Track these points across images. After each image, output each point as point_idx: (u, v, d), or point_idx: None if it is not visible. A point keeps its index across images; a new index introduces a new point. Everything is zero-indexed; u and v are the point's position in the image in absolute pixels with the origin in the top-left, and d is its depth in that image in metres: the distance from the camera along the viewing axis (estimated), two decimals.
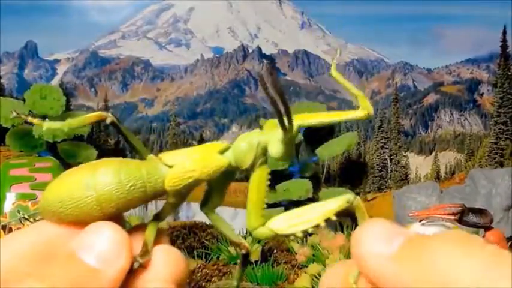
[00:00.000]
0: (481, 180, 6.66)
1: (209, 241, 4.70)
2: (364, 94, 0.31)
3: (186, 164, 0.30)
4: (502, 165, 17.89)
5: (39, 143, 5.97)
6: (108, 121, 0.30)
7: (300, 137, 7.85)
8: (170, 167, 0.30)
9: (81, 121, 0.31)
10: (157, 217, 0.31)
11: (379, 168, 25.09)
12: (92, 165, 0.29)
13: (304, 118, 0.31)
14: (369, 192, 23.04)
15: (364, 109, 0.31)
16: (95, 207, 0.28)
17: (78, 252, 0.26)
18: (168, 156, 0.30)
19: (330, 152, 7.69)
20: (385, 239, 0.24)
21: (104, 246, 0.26)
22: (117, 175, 0.28)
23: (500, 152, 20.20)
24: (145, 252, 0.28)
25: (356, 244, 0.24)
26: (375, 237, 0.24)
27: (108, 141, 25.37)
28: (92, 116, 0.31)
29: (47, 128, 0.31)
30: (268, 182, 0.31)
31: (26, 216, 2.24)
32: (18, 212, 2.24)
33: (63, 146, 6.12)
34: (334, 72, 0.32)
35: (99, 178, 0.28)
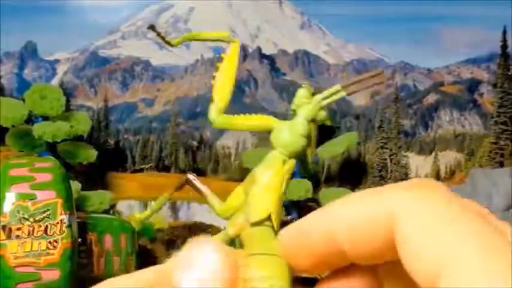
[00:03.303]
0: (481, 180, 6.67)
1: None
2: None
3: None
4: (502, 165, 17.87)
5: (39, 143, 5.96)
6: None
7: None
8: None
9: None
10: None
11: (379, 168, 25.08)
12: None
13: None
14: None
15: None
16: None
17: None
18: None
19: (330, 152, 7.69)
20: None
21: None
22: None
23: (500, 152, 20.18)
24: None
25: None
26: None
27: (108, 141, 25.34)
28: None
29: None
30: None
31: (26, 216, 2.24)
32: (18, 212, 2.24)
33: (63, 146, 6.11)
34: None
35: None
